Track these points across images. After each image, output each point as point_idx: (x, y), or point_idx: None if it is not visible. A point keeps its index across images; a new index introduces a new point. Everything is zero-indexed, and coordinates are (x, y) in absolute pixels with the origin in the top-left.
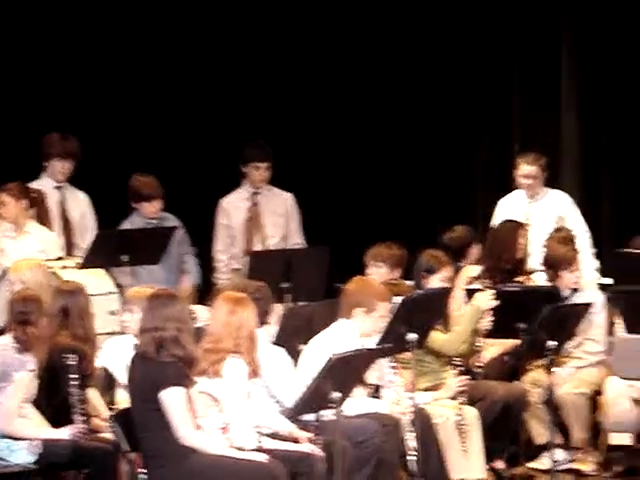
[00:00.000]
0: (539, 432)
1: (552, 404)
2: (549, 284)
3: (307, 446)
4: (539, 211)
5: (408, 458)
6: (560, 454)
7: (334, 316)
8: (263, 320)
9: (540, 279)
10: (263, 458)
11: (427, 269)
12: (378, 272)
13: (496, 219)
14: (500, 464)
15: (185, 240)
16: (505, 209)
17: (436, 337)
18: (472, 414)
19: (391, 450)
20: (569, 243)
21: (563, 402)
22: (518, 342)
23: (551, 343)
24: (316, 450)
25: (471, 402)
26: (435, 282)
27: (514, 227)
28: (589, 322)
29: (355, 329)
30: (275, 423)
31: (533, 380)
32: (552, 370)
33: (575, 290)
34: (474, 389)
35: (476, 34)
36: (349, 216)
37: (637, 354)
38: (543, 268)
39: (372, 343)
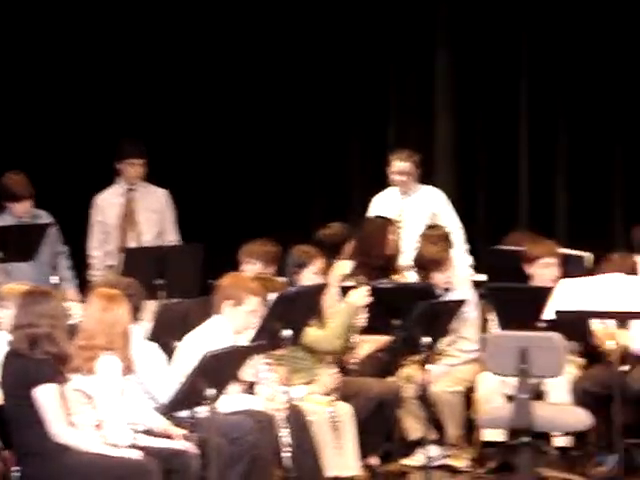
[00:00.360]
0: (413, 428)
1: (426, 401)
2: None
3: (181, 443)
4: (412, 207)
5: (282, 455)
6: (434, 450)
7: (208, 313)
8: (135, 316)
9: (414, 276)
10: (137, 455)
11: (298, 264)
12: (252, 269)
13: (370, 213)
14: (374, 460)
15: (58, 237)
16: (379, 206)
17: (311, 333)
18: (346, 410)
19: (265, 447)
20: (441, 242)
21: (437, 399)
22: (392, 339)
23: (425, 340)
24: (190, 447)
25: (345, 398)
26: (307, 276)
27: (383, 223)
28: (463, 320)
29: (228, 326)
30: (149, 420)
31: (407, 376)
32: (426, 367)
33: (447, 289)
34: (348, 385)
35: (353, 33)
36: (224, 213)
37: (509, 350)
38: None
39: (245, 340)
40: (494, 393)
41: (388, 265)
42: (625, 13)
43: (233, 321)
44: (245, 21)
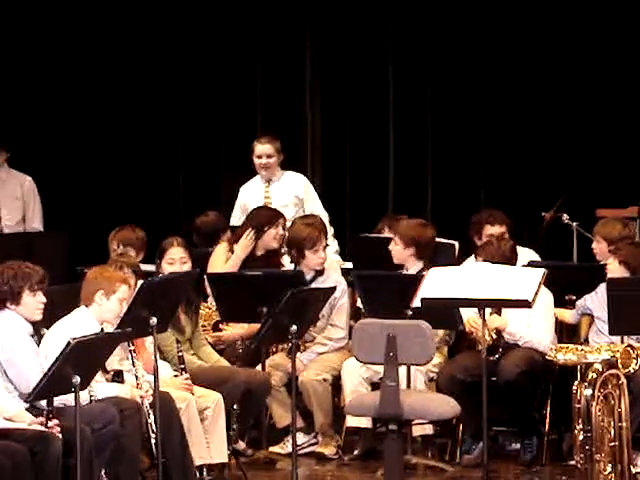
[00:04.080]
0: (281, 415)
1: (294, 388)
2: (294, 269)
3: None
4: (277, 193)
5: (151, 442)
6: (301, 438)
7: (75, 299)
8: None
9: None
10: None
11: (159, 250)
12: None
13: (238, 205)
14: (242, 448)
15: None
16: (246, 195)
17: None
18: (215, 398)
19: (131, 435)
20: (316, 224)
21: (304, 387)
22: (260, 326)
23: (293, 327)
24: (53, 431)
25: (214, 386)
26: (164, 263)
27: (272, 215)
28: (332, 307)
29: (95, 316)
30: (11, 407)
31: (275, 364)
32: (294, 355)
33: (319, 273)
34: (216, 373)
35: (224, 28)
36: (90, 201)
37: (376, 338)
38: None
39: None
40: (359, 380)
41: (271, 257)
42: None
43: (104, 311)
44: (108, 14)
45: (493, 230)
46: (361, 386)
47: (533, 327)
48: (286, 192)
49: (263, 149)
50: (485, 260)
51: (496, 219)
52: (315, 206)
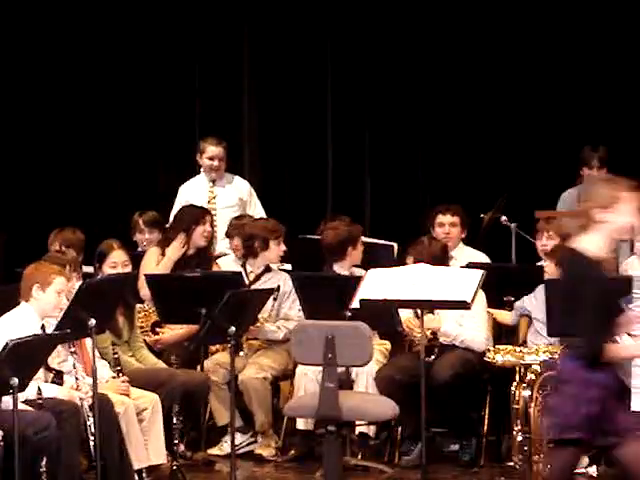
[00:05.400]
0: (221, 414)
1: (235, 388)
2: (234, 270)
3: None
4: (223, 193)
5: (90, 444)
6: (241, 438)
7: (12, 301)
8: None
9: (226, 264)
10: None
11: (99, 255)
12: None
13: (177, 204)
14: (181, 449)
15: None
16: (187, 194)
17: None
18: (152, 399)
19: (70, 436)
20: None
21: (245, 386)
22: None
23: (232, 329)
24: None
25: (152, 388)
26: (106, 267)
27: (198, 213)
28: (282, 302)
29: (35, 312)
30: None
31: (217, 362)
32: (233, 356)
33: (267, 269)
34: (155, 375)
35: (164, 28)
36: (27, 203)
37: (313, 340)
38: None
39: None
40: (301, 381)
41: (202, 255)
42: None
43: (42, 304)
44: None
45: (444, 219)
46: (304, 387)
47: (467, 325)
48: (232, 193)
49: (216, 151)
50: (415, 259)
51: (448, 209)
52: (258, 210)
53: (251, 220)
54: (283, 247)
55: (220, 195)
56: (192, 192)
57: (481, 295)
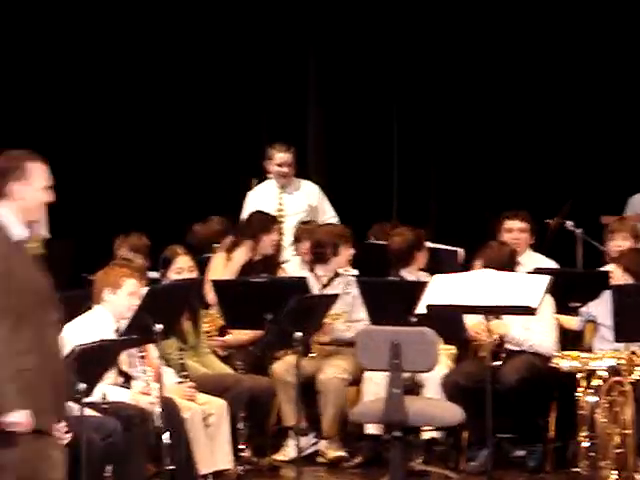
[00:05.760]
0: (290, 415)
1: (297, 395)
2: (300, 275)
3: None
4: (291, 200)
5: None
6: (304, 441)
7: (80, 306)
8: None
9: (291, 269)
10: None
11: (164, 260)
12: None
13: (246, 211)
14: (246, 455)
15: None
16: (256, 200)
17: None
18: (219, 405)
19: (137, 442)
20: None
21: (324, 386)
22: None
23: (297, 334)
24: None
25: (219, 393)
26: (171, 273)
27: (266, 221)
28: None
29: (109, 314)
30: None
31: (290, 363)
32: (299, 363)
33: (337, 274)
34: (221, 380)
35: (231, 43)
36: (95, 209)
37: (381, 345)
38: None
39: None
40: (369, 386)
41: (268, 262)
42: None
43: (115, 307)
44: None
45: (513, 224)
46: (372, 392)
47: (534, 330)
48: (300, 200)
49: (284, 158)
50: (483, 263)
51: (517, 215)
52: (330, 214)
53: (318, 225)
54: (352, 251)
55: (289, 202)
56: (261, 199)
57: (549, 300)
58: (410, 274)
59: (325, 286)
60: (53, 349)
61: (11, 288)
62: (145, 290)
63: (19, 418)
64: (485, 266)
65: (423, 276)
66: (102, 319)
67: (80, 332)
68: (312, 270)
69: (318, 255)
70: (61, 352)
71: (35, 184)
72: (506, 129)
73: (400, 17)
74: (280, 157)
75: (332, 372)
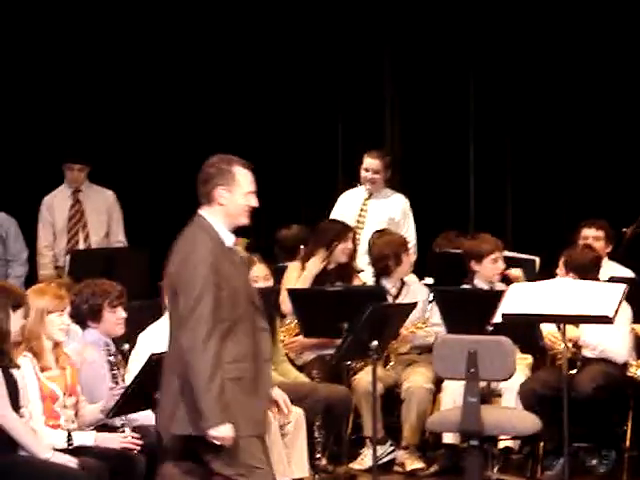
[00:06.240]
0: (370, 425)
1: (374, 403)
2: (374, 284)
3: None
4: (374, 209)
5: None
6: (380, 449)
7: (156, 315)
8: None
9: (367, 278)
10: (72, 463)
11: None
12: None
13: (334, 214)
14: (323, 463)
15: (17, 238)
16: (344, 204)
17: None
18: (296, 413)
19: None
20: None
21: (411, 394)
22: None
23: (374, 343)
24: (135, 449)
25: (295, 401)
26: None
27: (340, 229)
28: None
29: None
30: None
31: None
32: (375, 371)
33: (403, 283)
34: (298, 389)
35: (303, 52)
36: (170, 216)
37: (458, 354)
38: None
39: None
40: (447, 395)
41: (341, 269)
42: (565, 47)
43: None
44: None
45: (589, 232)
46: (449, 401)
47: (610, 337)
48: (383, 211)
49: (371, 163)
50: (568, 266)
51: (594, 223)
52: (409, 233)
53: (378, 237)
54: (413, 258)
55: (372, 210)
56: (348, 203)
57: (626, 308)
58: (481, 282)
59: (395, 297)
60: (266, 356)
61: (223, 297)
62: None
63: (223, 432)
64: (568, 269)
65: (498, 285)
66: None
67: (153, 340)
68: (377, 283)
69: (381, 268)
70: (271, 360)
71: (241, 189)
72: (585, 136)
73: (477, 20)
74: (367, 162)
75: (418, 380)
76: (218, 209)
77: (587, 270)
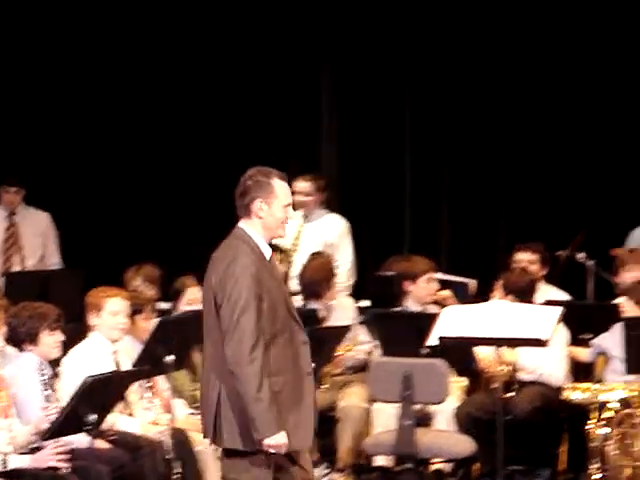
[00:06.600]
0: None
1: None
2: (308, 306)
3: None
4: (309, 233)
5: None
6: (319, 472)
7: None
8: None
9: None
10: None
11: (175, 292)
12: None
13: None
14: None
15: None
16: None
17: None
18: None
19: (147, 473)
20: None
21: (346, 413)
22: None
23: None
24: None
25: None
26: (182, 305)
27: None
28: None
29: (104, 337)
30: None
31: None
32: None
33: (329, 308)
34: None
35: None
36: (105, 239)
37: (393, 376)
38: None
39: (124, 352)
40: (381, 419)
41: None
42: (499, 71)
43: (103, 329)
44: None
45: (524, 256)
46: (384, 424)
47: (547, 360)
48: (317, 235)
49: (300, 187)
50: (504, 285)
51: (529, 247)
52: (343, 254)
53: (309, 261)
54: (350, 280)
55: (307, 233)
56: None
57: (562, 331)
58: (414, 305)
59: (324, 320)
60: (306, 369)
61: (264, 309)
62: (156, 321)
63: (279, 440)
64: (506, 291)
65: (430, 308)
66: (97, 344)
67: (78, 361)
68: (304, 306)
69: (311, 292)
70: (311, 372)
71: (279, 202)
72: (521, 159)
73: (413, 42)
74: (296, 186)
75: (353, 399)
76: (257, 222)
77: (525, 293)
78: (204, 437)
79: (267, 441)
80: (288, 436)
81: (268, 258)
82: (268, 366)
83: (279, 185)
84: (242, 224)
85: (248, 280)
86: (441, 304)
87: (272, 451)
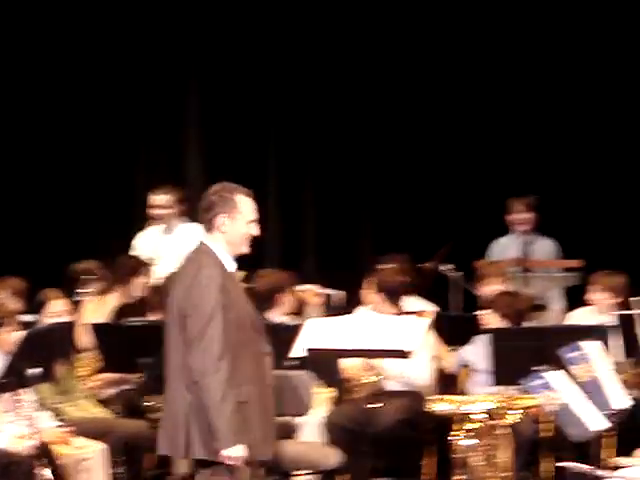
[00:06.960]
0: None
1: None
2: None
3: None
4: (170, 245)
5: None
6: None
7: None
8: None
9: None
10: None
11: (38, 303)
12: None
13: (133, 251)
14: None
15: None
16: (140, 244)
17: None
18: (96, 448)
19: None
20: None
21: None
22: (138, 376)
23: None
24: None
25: (96, 437)
26: (45, 317)
27: (134, 264)
28: None
29: None
30: None
31: None
32: None
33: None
34: (98, 424)
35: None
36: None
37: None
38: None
39: None
40: None
41: (140, 305)
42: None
43: None
44: None
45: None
46: None
47: (411, 364)
48: (179, 244)
49: (155, 199)
50: (377, 284)
51: (390, 259)
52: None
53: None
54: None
55: (167, 245)
56: (144, 242)
57: (429, 337)
58: (275, 317)
59: None
60: (268, 380)
61: (230, 320)
62: (21, 334)
63: (236, 453)
64: (377, 289)
65: (289, 320)
66: None
67: None
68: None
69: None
70: (272, 384)
71: (242, 218)
72: (384, 172)
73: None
74: (152, 199)
75: None
76: (220, 236)
77: (395, 293)
78: (162, 453)
79: (225, 452)
80: (256, 447)
81: (232, 271)
82: (235, 376)
83: (243, 201)
84: (205, 239)
85: (214, 290)
86: (307, 304)
87: (229, 462)
